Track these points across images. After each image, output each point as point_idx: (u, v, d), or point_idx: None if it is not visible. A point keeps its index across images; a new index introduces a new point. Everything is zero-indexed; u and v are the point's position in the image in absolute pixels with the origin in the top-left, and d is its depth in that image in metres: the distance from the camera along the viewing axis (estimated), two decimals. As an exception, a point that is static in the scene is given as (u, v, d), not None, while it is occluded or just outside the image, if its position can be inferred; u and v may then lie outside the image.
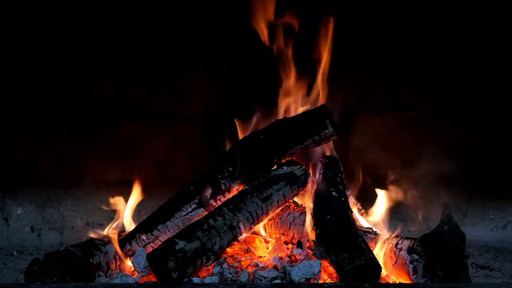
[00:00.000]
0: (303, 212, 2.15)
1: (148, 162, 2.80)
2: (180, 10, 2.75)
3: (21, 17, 2.72)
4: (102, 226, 2.73)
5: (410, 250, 1.85)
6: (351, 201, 2.27)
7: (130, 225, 2.24)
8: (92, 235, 2.13)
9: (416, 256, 1.82)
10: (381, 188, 2.37)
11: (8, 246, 2.77)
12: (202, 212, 2.08)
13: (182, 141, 2.84)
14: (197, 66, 2.81)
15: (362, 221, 2.25)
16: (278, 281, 1.80)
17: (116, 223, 2.26)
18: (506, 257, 2.60)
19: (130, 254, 2.08)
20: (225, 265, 1.90)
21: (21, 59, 2.79)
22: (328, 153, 2.36)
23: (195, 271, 1.83)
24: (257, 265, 1.96)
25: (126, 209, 2.27)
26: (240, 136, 2.31)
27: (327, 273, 1.89)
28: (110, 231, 2.19)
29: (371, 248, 1.87)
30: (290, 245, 2.14)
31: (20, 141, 2.85)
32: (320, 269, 1.81)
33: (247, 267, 1.95)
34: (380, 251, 2.00)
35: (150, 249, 1.99)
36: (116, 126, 2.86)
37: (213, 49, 2.79)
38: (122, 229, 2.26)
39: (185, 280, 1.78)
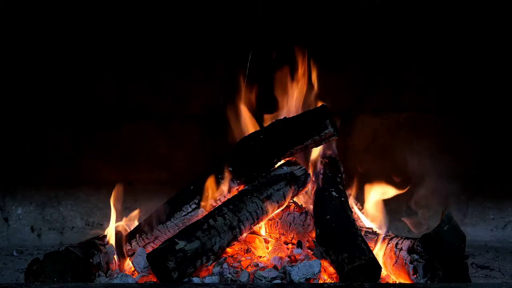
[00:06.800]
0: (303, 212, 2.16)
1: (148, 162, 2.80)
2: (180, 11, 2.76)
3: (22, 17, 2.73)
4: (102, 226, 2.73)
5: (410, 250, 1.85)
6: (351, 201, 2.27)
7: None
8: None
9: (416, 256, 1.82)
10: (381, 188, 2.37)
11: (8, 246, 2.77)
12: (202, 212, 2.08)
13: (182, 141, 2.84)
14: (196, 66, 2.81)
15: (363, 221, 2.25)
16: (278, 281, 1.80)
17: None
18: (506, 257, 2.60)
19: (130, 254, 2.09)
20: (225, 265, 1.90)
21: (20, 58, 2.79)
22: (328, 153, 2.36)
23: (195, 271, 1.83)
24: (257, 265, 1.96)
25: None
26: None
27: (327, 273, 1.89)
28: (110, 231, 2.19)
29: (371, 248, 1.87)
30: (290, 245, 2.14)
31: (20, 141, 2.85)
32: (320, 269, 1.81)
33: (247, 267, 1.95)
34: (380, 251, 2.00)
35: (150, 249, 1.99)
36: (116, 126, 2.87)
37: (212, 49, 2.79)
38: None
39: (185, 280, 1.78)
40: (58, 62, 2.80)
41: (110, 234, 2.09)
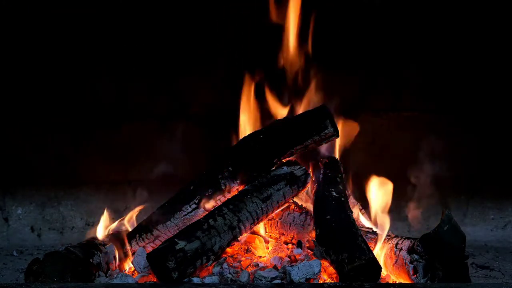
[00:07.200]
0: (303, 212, 2.16)
1: (148, 162, 2.79)
2: (180, 11, 2.76)
3: (22, 17, 2.73)
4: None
5: (410, 250, 1.85)
6: (351, 201, 2.27)
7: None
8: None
9: (416, 256, 1.82)
10: (381, 188, 2.37)
11: (8, 246, 2.77)
12: (202, 212, 2.08)
13: (182, 141, 2.84)
14: (196, 67, 2.81)
15: (363, 221, 2.25)
16: (278, 281, 1.80)
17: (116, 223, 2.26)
18: (506, 257, 2.60)
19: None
20: (225, 265, 1.90)
21: (21, 58, 2.79)
22: (328, 153, 2.36)
23: (195, 271, 1.83)
24: (257, 265, 1.96)
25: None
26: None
27: (327, 273, 1.89)
28: (110, 231, 2.19)
29: (371, 248, 1.87)
30: (290, 245, 2.14)
31: (20, 141, 2.85)
32: (320, 269, 1.81)
33: (247, 267, 1.95)
34: (380, 251, 2.00)
35: (150, 249, 1.99)
36: (116, 126, 2.87)
37: (212, 49, 2.79)
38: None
39: (185, 280, 1.78)
40: (58, 62, 2.80)
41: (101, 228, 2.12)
